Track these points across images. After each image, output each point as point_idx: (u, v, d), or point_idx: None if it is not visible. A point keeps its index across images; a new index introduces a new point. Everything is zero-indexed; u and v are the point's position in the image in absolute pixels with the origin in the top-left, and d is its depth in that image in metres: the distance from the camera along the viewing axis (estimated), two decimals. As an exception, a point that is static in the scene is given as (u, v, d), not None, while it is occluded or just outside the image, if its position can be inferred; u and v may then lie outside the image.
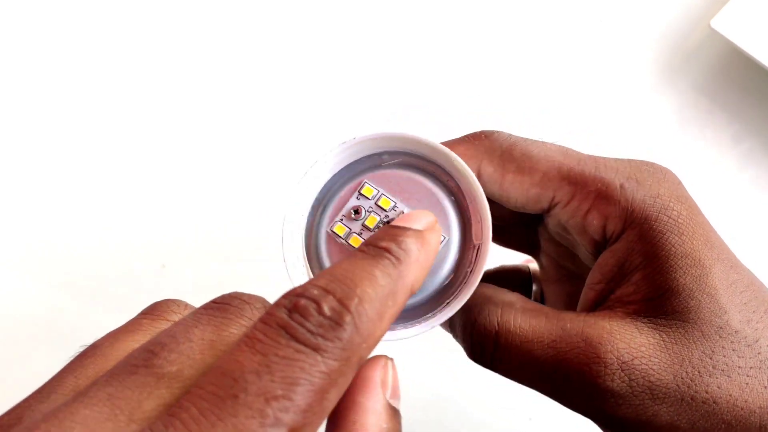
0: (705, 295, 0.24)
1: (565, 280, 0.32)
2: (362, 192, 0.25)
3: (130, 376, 0.17)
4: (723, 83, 0.51)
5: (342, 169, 0.26)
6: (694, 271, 0.24)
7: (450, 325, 0.28)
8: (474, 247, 0.24)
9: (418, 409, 0.46)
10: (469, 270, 0.24)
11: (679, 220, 0.24)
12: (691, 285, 0.24)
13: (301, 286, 0.18)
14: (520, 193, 0.26)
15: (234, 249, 0.50)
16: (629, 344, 0.23)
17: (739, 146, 0.50)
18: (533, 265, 0.34)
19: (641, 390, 0.23)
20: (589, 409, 0.24)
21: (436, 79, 0.53)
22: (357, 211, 0.25)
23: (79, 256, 0.50)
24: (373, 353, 0.20)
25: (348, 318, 0.17)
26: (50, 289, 0.49)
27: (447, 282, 0.25)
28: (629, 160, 0.26)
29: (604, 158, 0.26)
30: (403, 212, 0.24)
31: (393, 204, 0.25)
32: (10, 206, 0.52)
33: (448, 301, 0.24)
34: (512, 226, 0.33)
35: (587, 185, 0.25)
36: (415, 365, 0.46)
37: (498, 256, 0.25)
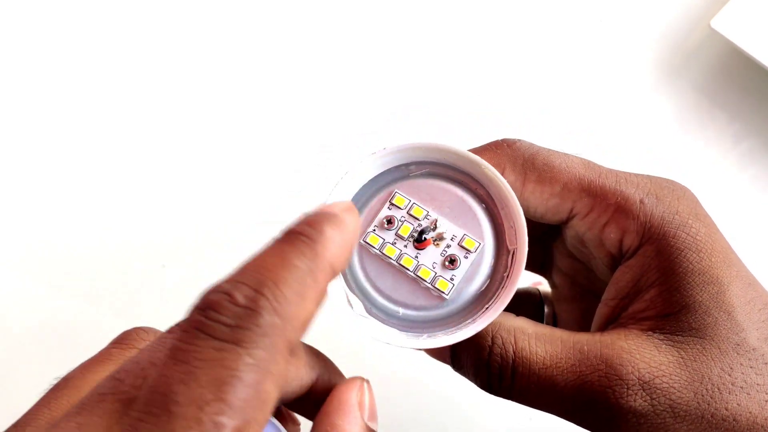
0: (722, 312, 0.24)
1: (579, 298, 0.32)
2: (393, 202, 0.25)
3: (98, 404, 0.17)
4: (723, 83, 0.51)
5: (370, 181, 0.26)
6: (711, 288, 0.24)
7: (454, 359, 0.27)
8: (509, 252, 0.25)
9: (418, 409, 0.46)
10: (506, 275, 0.24)
11: (698, 238, 0.24)
12: (707, 302, 0.24)
13: (212, 284, 0.17)
14: (540, 202, 0.26)
15: (234, 249, 0.50)
16: (649, 363, 0.23)
17: (740, 146, 0.50)
18: (543, 287, 0.34)
19: (663, 409, 0.23)
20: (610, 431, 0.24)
21: (436, 79, 0.53)
22: (390, 221, 0.25)
23: (79, 256, 0.50)
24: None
25: (264, 302, 0.16)
26: (50, 289, 0.49)
27: (484, 288, 0.25)
28: (649, 176, 0.26)
29: (625, 172, 0.26)
30: (436, 221, 0.25)
31: (425, 213, 0.25)
32: (9, 206, 0.52)
33: (487, 306, 0.24)
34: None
35: (607, 198, 0.25)
36: (414, 365, 0.46)
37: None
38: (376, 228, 0.25)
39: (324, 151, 0.51)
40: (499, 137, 0.27)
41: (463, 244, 0.24)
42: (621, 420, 0.23)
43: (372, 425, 0.21)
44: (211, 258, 0.50)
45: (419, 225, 0.25)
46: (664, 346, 0.24)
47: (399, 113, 0.52)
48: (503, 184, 0.24)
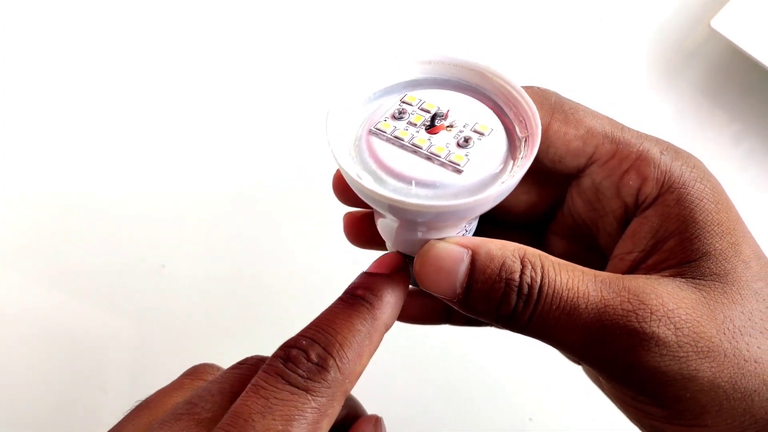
0: (740, 261, 0.24)
1: None
2: (405, 100, 0.25)
3: (176, 422, 0.22)
4: (723, 83, 0.51)
5: (383, 89, 0.26)
6: (729, 238, 0.24)
7: (470, 289, 0.24)
8: (522, 139, 0.25)
9: (418, 409, 0.46)
10: (520, 156, 0.24)
11: (714, 191, 0.25)
12: (727, 250, 0.24)
13: (292, 339, 0.23)
14: (563, 143, 0.26)
15: (233, 249, 0.50)
16: (673, 296, 0.23)
17: (740, 146, 0.50)
18: None
19: (686, 341, 0.22)
20: (629, 364, 0.23)
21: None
22: (402, 111, 0.25)
23: (78, 256, 0.50)
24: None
25: (331, 362, 0.22)
26: (50, 288, 0.49)
27: (499, 170, 0.24)
28: (665, 140, 0.27)
29: (645, 133, 0.27)
30: (448, 111, 0.25)
31: (437, 107, 0.25)
32: (9, 206, 0.52)
33: (503, 180, 0.24)
34: (518, 229, 0.32)
35: (629, 146, 0.26)
36: (414, 365, 0.46)
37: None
38: (387, 118, 0.25)
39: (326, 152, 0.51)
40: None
41: (476, 128, 0.24)
42: (642, 348, 0.22)
43: None
44: (211, 258, 0.50)
45: (431, 116, 0.25)
46: (686, 286, 0.24)
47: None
48: (507, 80, 0.25)
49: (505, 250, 0.24)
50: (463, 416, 0.46)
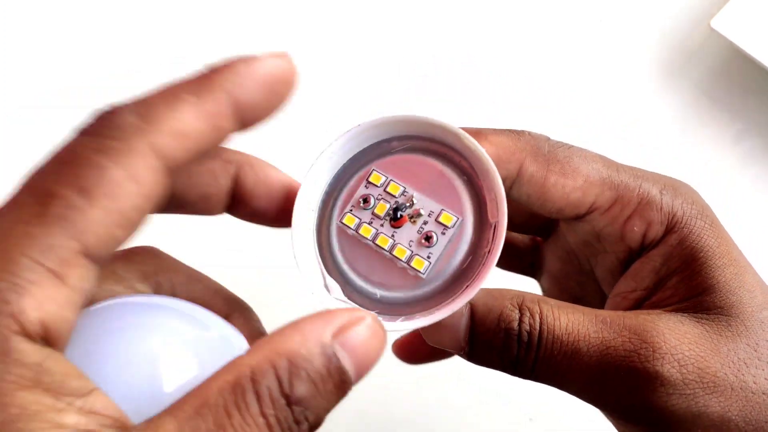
0: (745, 291, 0.24)
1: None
2: (370, 180, 0.24)
3: None
4: (724, 83, 0.51)
5: (350, 159, 0.25)
6: (732, 270, 0.24)
7: (474, 338, 0.25)
8: (491, 226, 0.23)
9: (418, 409, 0.45)
10: (487, 250, 0.23)
11: (714, 225, 0.25)
12: (731, 282, 0.24)
13: None
14: (561, 196, 0.25)
15: (233, 249, 0.50)
16: (675, 332, 0.23)
17: (741, 146, 0.50)
18: None
19: (692, 378, 0.22)
20: (636, 404, 0.23)
21: (435, 80, 0.53)
22: (366, 200, 0.24)
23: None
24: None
25: (127, 106, 0.18)
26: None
27: (465, 265, 0.23)
28: (659, 174, 0.26)
29: (639, 168, 0.26)
30: (412, 197, 0.24)
31: (402, 189, 0.24)
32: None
33: (467, 284, 0.23)
34: (514, 248, 0.32)
35: (629, 192, 0.25)
36: (412, 366, 0.46)
37: (497, 281, 0.25)
38: (353, 208, 0.24)
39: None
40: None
41: (440, 219, 0.23)
42: (648, 389, 0.22)
43: (342, 356, 0.17)
44: (211, 257, 0.50)
45: (396, 202, 0.24)
46: (688, 320, 0.23)
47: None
48: (483, 154, 0.23)
49: (503, 300, 0.24)
50: (463, 416, 0.46)
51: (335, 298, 0.24)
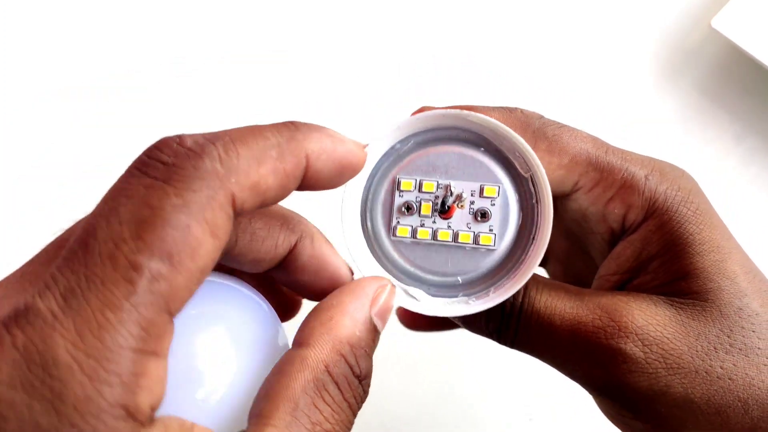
0: (725, 279, 0.24)
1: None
2: (401, 188, 0.25)
3: (40, 253, 0.20)
4: (724, 83, 0.51)
5: (368, 179, 0.26)
6: (712, 256, 0.24)
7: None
8: (526, 180, 0.25)
9: (418, 409, 0.45)
10: (534, 201, 0.24)
11: (698, 212, 0.25)
12: (709, 268, 0.24)
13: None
14: (546, 172, 0.25)
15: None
16: (644, 313, 0.24)
17: (741, 145, 0.50)
18: None
19: (654, 357, 0.23)
20: (603, 378, 0.24)
21: (435, 80, 0.53)
22: (409, 207, 0.25)
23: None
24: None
25: (210, 149, 0.16)
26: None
27: (521, 220, 0.25)
28: (651, 157, 0.27)
29: (630, 152, 0.26)
30: (449, 186, 0.25)
31: (436, 183, 0.25)
32: (9, 206, 0.52)
33: (533, 236, 0.24)
34: None
35: (613, 173, 0.25)
36: (415, 365, 0.46)
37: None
38: (399, 219, 0.25)
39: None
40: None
41: (485, 194, 0.25)
42: (613, 365, 0.23)
43: (378, 323, 0.21)
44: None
45: (436, 197, 0.25)
46: (662, 303, 0.24)
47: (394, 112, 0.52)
48: (491, 122, 0.24)
49: None
50: (463, 416, 0.46)
51: (426, 302, 0.25)
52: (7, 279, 0.19)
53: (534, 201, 0.24)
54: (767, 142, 0.49)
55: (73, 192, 0.51)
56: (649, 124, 0.51)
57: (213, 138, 0.17)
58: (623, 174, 0.25)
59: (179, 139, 0.16)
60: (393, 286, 0.22)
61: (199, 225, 0.15)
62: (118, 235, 0.15)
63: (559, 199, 0.27)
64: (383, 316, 0.21)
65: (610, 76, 0.53)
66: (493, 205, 0.24)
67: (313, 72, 0.54)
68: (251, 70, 0.54)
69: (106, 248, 0.15)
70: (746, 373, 0.23)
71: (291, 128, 0.18)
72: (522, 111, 0.26)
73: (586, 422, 0.44)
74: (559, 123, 0.26)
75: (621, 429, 0.26)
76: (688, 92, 0.51)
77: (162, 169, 0.16)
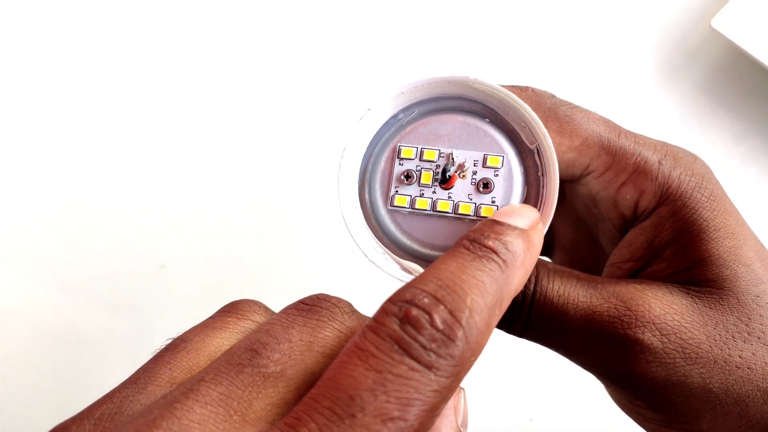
0: (741, 266, 0.23)
1: None
2: (402, 156, 0.24)
3: (237, 375, 0.17)
4: (724, 83, 0.51)
5: (368, 147, 0.24)
6: (728, 243, 0.24)
7: None
8: (532, 152, 0.23)
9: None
10: (540, 173, 0.23)
11: (712, 198, 0.24)
12: (725, 255, 0.24)
13: (409, 291, 0.17)
14: (557, 154, 0.25)
15: (233, 249, 0.50)
16: (661, 301, 0.23)
17: (741, 145, 0.50)
18: None
19: (673, 347, 0.23)
20: (618, 368, 0.23)
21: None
22: (408, 176, 0.24)
23: (79, 256, 0.50)
24: None
25: (460, 333, 0.17)
26: (50, 289, 0.49)
27: (525, 194, 0.24)
28: (664, 142, 0.26)
29: (642, 135, 0.26)
30: (451, 154, 0.23)
31: (438, 152, 0.24)
32: (8, 206, 0.52)
33: (539, 209, 0.23)
34: None
35: (626, 158, 0.25)
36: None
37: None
38: (397, 188, 0.24)
39: (323, 148, 0.51)
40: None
41: (488, 164, 0.23)
42: (629, 354, 0.23)
43: (463, 430, 0.20)
44: (210, 257, 0.50)
45: (437, 166, 0.24)
46: (678, 291, 0.24)
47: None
48: (497, 90, 0.23)
49: None
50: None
51: (411, 273, 0.23)
52: (202, 393, 0.17)
53: (539, 174, 0.23)
54: (767, 142, 0.49)
55: (72, 192, 0.51)
56: (648, 123, 0.51)
57: (455, 309, 0.17)
58: (636, 158, 0.25)
59: (429, 317, 0.16)
60: (462, 388, 0.21)
61: (443, 406, 0.17)
62: (387, 412, 0.15)
63: (568, 183, 0.27)
64: (466, 422, 0.20)
65: (611, 75, 0.53)
66: (497, 175, 0.23)
67: (313, 72, 0.54)
68: (249, 75, 0.54)
69: (375, 424, 0.15)
70: (765, 362, 0.23)
71: (503, 268, 0.18)
72: (533, 89, 0.25)
73: (586, 422, 0.44)
74: (571, 103, 0.25)
75: (633, 418, 0.26)
76: (688, 92, 0.51)
77: (423, 354, 0.16)
